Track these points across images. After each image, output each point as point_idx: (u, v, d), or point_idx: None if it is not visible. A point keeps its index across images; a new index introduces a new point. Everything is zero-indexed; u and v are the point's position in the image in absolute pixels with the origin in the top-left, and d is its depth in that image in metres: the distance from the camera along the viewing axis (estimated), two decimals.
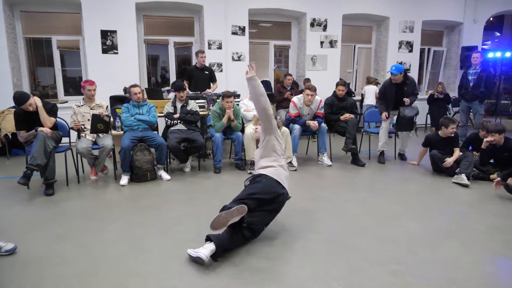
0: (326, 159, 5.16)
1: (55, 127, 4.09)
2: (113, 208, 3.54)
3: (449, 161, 4.46)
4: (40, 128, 3.85)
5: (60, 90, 6.95)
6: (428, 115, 8.35)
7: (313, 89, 4.99)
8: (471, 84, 6.14)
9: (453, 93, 8.39)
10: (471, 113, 6.47)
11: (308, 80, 7.29)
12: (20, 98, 3.82)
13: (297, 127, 5.03)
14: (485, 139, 4.30)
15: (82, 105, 4.41)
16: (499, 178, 3.79)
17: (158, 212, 3.38)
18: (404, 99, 5.00)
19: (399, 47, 8.63)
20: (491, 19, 9.52)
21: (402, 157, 5.49)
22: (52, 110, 4.05)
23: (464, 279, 2.25)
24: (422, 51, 9.10)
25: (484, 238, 2.84)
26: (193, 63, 6.50)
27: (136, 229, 3.01)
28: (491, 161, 4.50)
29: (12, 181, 4.25)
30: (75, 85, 7.08)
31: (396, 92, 5.12)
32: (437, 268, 2.38)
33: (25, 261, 2.47)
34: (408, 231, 2.95)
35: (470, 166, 4.34)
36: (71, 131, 4.43)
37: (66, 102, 6.62)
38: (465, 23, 8.93)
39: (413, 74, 8.84)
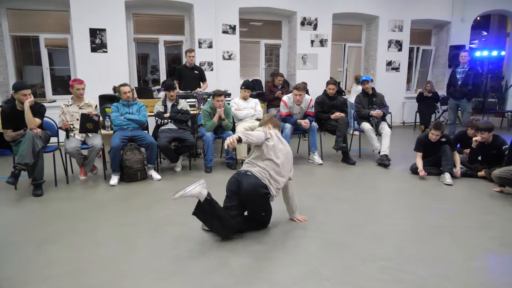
0: (317, 158, 5.18)
1: (41, 127, 4.02)
2: (103, 208, 3.50)
3: (457, 175, 4.40)
4: (30, 127, 3.80)
5: (48, 89, 6.85)
6: (417, 114, 8.44)
7: (301, 89, 4.96)
8: (459, 83, 6.23)
9: (442, 91, 8.49)
10: (459, 111, 6.55)
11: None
12: (19, 84, 3.90)
13: (288, 126, 5.04)
14: (474, 138, 4.34)
15: (70, 105, 4.35)
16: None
17: (149, 212, 3.36)
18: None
19: (389, 46, 8.71)
20: (478, 18, 9.65)
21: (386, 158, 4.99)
22: (38, 112, 3.98)
23: (454, 275, 2.28)
24: (411, 50, 9.19)
25: (473, 234, 2.88)
26: (183, 62, 6.46)
27: (126, 229, 2.99)
28: (479, 158, 4.56)
29: None
30: (63, 84, 6.98)
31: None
32: (428, 264, 2.40)
33: (13, 263, 2.43)
34: (399, 228, 2.98)
35: (450, 161, 4.34)
36: (59, 130, 4.37)
37: (55, 101, 6.53)
38: (453, 22, 9.04)
39: (402, 72, 8.96)
